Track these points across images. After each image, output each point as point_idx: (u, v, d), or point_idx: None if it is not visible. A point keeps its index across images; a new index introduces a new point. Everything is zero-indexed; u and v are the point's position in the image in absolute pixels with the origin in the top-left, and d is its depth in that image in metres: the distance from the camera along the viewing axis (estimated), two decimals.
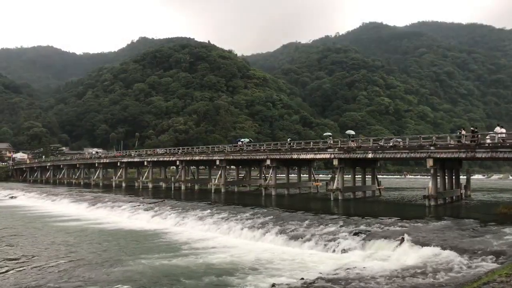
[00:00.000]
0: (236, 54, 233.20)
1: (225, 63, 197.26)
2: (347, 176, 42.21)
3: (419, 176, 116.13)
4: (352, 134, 43.91)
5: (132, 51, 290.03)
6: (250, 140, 62.56)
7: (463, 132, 31.99)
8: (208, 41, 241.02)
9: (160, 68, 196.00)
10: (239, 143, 51.09)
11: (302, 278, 14.48)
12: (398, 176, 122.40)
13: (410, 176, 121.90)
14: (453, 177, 35.99)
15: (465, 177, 42.50)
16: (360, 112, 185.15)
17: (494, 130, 30.63)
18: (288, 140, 52.38)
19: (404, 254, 17.10)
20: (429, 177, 34.03)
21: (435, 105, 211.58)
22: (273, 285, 13.80)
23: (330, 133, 54.72)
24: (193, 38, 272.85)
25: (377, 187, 43.34)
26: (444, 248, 16.95)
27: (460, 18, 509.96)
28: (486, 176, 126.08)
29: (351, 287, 13.29)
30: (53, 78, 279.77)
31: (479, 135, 29.89)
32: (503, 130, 29.47)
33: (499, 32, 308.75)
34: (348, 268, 15.65)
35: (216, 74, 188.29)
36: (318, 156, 40.44)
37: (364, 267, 15.68)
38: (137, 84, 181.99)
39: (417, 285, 13.27)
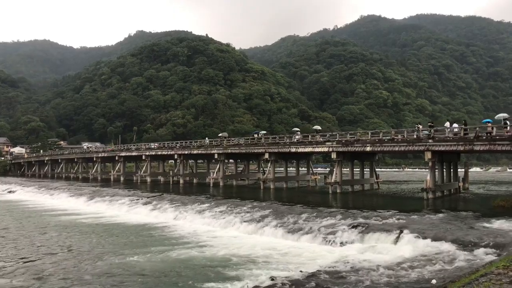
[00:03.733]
0: (234, 48, 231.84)
1: (223, 56, 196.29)
2: (345, 169, 42.27)
3: (417, 169, 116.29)
4: (319, 129, 44.86)
5: (129, 44, 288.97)
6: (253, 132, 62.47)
7: (420, 127, 33.58)
8: (206, 35, 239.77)
9: (157, 62, 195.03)
10: (255, 135, 50.71)
11: (301, 271, 14.53)
12: (396, 169, 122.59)
13: (408, 169, 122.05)
14: (451, 170, 36.05)
15: (463, 170, 42.59)
16: (359, 105, 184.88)
17: (445, 125, 32.55)
18: (262, 133, 51.79)
19: (403, 247, 17.16)
20: (427, 170, 34.13)
21: (433, 98, 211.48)
22: (272, 278, 13.83)
23: (298, 129, 54.79)
24: (191, 32, 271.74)
25: (375, 180, 43.43)
26: (442, 241, 17.04)
27: (459, 10, 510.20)
28: (484, 169, 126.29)
29: (349, 280, 13.34)
30: (50, 72, 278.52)
31: (435, 129, 32.24)
32: (455, 125, 32.09)
33: (497, 24, 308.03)
34: (346, 261, 15.70)
35: (214, 68, 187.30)
36: (316, 150, 40.43)
37: (362, 260, 15.73)
38: (135, 78, 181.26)
39: (415, 278, 13.32)
